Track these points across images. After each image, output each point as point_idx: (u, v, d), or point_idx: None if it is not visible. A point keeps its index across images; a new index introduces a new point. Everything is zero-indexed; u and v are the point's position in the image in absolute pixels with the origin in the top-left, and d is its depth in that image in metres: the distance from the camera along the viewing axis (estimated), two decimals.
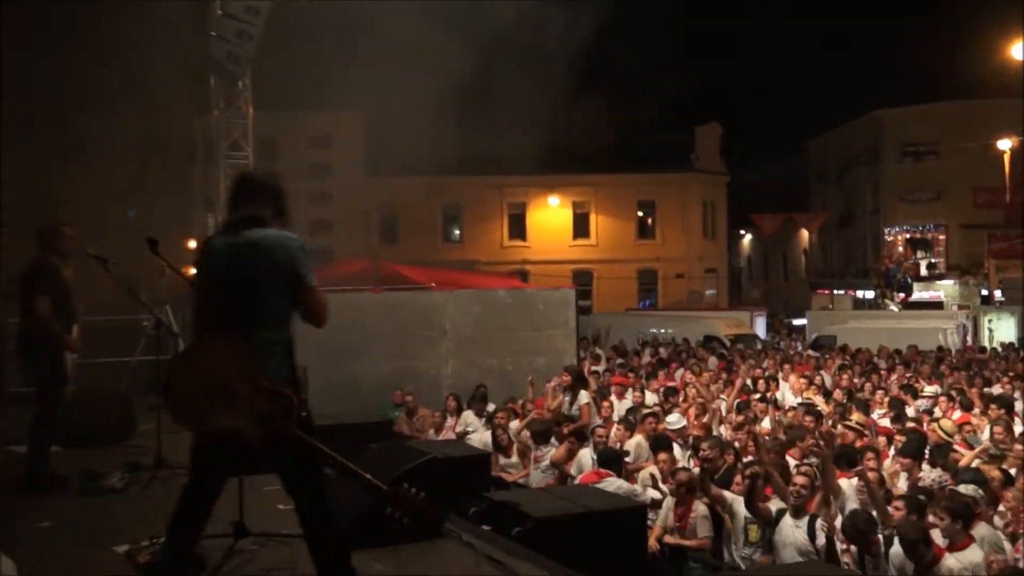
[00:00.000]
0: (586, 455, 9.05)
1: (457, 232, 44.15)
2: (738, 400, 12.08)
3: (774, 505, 7.04)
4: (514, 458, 10.17)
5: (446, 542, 5.54)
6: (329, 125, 39.33)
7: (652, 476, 8.47)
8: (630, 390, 13.10)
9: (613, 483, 7.77)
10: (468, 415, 11.66)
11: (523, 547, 5.33)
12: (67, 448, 7.96)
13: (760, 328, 32.56)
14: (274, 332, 3.88)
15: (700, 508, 7.55)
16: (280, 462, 3.93)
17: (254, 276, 3.87)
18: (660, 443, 9.15)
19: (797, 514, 6.74)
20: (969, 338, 25.67)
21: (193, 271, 4.32)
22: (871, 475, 7.12)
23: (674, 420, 10.36)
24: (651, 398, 12.91)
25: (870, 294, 41.30)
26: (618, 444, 9.50)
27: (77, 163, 11.52)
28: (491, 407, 11.89)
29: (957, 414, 11.15)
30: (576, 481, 8.45)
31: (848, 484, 7.38)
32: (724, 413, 11.55)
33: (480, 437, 10.70)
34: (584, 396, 11.30)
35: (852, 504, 7.12)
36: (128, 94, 11.78)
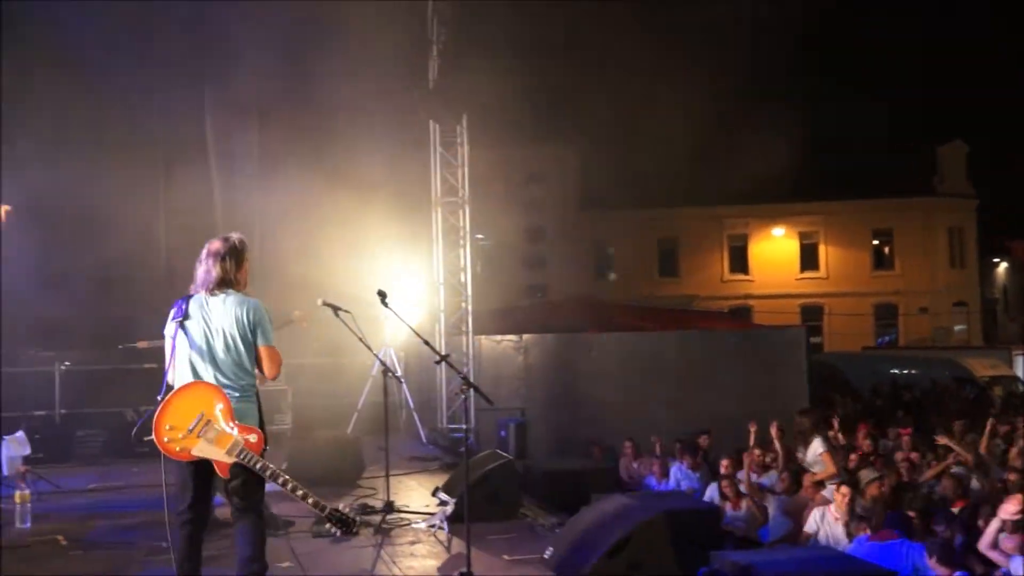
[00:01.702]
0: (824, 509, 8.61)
1: (674, 266, 43.71)
2: None
3: None
4: (742, 510, 9.84)
5: None
6: (544, 161, 40.20)
7: None
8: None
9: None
10: (682, 465, 11.44)
11: None
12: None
13: (1021, 369, 29.91)
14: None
15: None
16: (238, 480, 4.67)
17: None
18: None
19: None
20: None
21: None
22: None
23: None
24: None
25: None
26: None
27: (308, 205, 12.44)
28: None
29: None
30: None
31: None
32: None
33: (691, 485, 10.48)
34: (819, 444, 10.77)
35: None
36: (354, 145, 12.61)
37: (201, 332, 4.69)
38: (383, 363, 7.55)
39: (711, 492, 10.15)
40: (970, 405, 18.43)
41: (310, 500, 4.68)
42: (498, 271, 28.08)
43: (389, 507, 7.58)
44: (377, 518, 7.45)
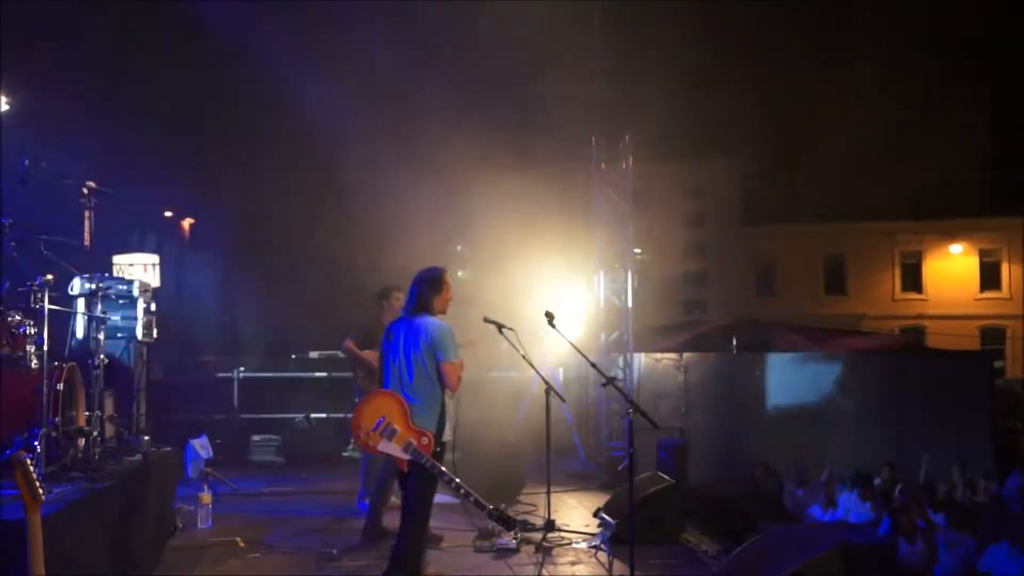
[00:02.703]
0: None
1: (841, 283, 42.04)
2: None
3: None
4: (917, 545, 9.35)
5: None
6: (705, 174, 39.63)
7: None
8: None
9: None
10: (852, 495, 10.95)
11: None
12: (461, 503, 8.65)
13: None
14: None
15: None
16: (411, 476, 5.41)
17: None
18: None
19: None
20: None
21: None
22: None
23: None
24: None
25: None
26: None
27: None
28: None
29: None
30: None
31: None
32: None
33: (860, 516, 10.01)
34: (1016, 478, 10.15)
35: None
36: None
37: (399, 349, 5.59)
38: (545, 380, 7.58)
39: (885, 525, 9.71)
40: None
41: (472, 498, 5.28)
42: (658, 288, 27.80)
43: (550, 525, 7.60)
44: (538, 535, 7.48)
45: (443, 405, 5.50)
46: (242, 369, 12.93)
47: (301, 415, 12.63)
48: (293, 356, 13.30)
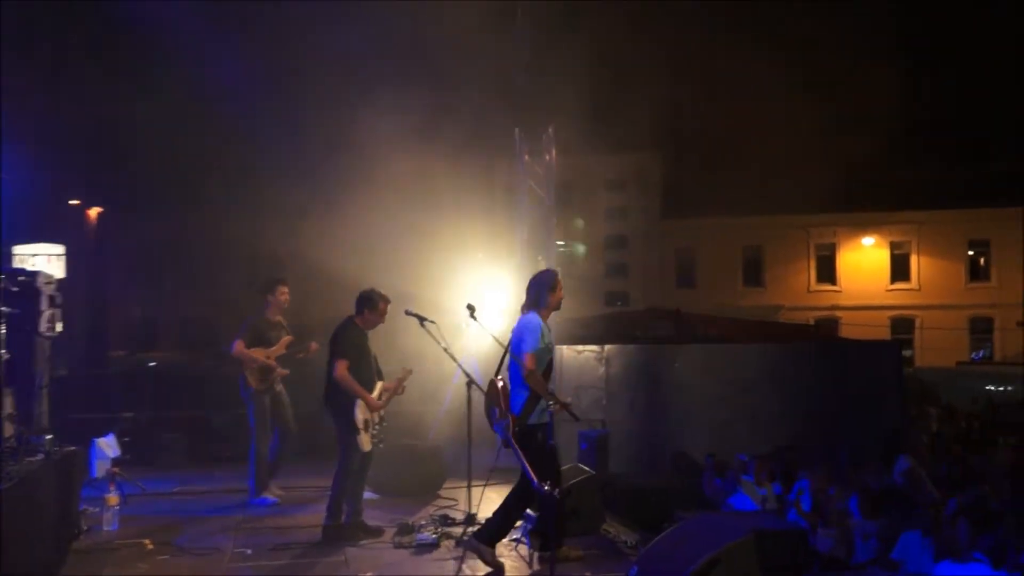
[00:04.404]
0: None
1: (759, 276, 42.96)
2: None
3: None
4: (829, 531, 9.58)
5: None
6: (627, 167, 40.01)
7: None
8: None
9: None
10: (768, 483, 11.18)
11: None
12: (383, 496, 8.57)
13: None
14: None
15: None
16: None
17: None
18: None
19: None
20: None
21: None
22: None
23: None
24: None
25: None
26: None
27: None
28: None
29: None
30: None
31: None
32: None
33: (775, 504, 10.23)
34: (904, 462, 10.43)
35: None
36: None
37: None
38: (467, 373, 7.54)
39: (798, 511, 9.91)
40: None
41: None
42: (580, 280, 28.00)
43: (471, 519, 7.55)
44: (458, 530, 7.43)
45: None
46: (152, 363, 12.56)
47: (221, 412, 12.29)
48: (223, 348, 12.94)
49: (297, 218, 13.40)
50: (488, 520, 6.68)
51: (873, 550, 8.82)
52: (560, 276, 6.99)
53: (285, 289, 9.08)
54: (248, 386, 8.67)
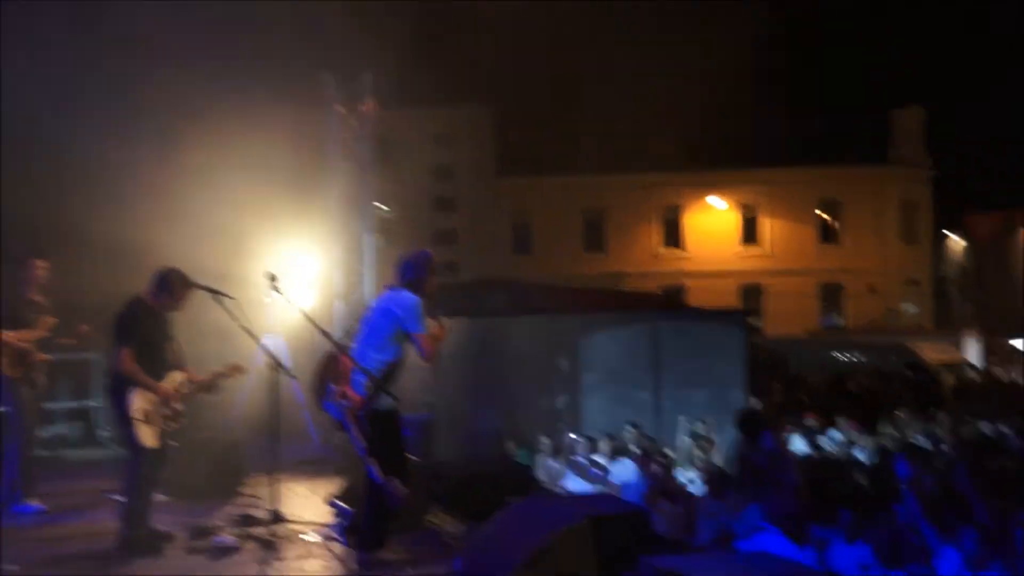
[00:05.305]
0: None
1: (601, 240, 43.97)
2: None
3: None
4: (673, 511, 10.09)
5: None
6: (453, 121, 40.05)
7: None
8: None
9: None
10: (609, 463, 11.67)
11: None
12: (174, 499, 8.41)
13: (974, 353, 31.19)
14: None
15: None
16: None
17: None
18: None
19: None
20: None
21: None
22: None
23: None
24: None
25: None
26: None
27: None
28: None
29: None
30: None
31: None
32: None
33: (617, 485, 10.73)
34: (768, 440, 11.11)
35: None
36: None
37: None
38: (271, 355, 7.49)
39: (637, 491, 10.39)
40: (919, 394, 19.14)
41: None
42: (402, 247, 27.77)
43: (277, 517, 7.53)
44: (263, 530, 7.41)
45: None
46: None
47: None
48: None
49: (70, 184, 12.78)
50: (360, 526, 6.77)
51: (717, 529, 9.36)
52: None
53: (42, 263, 8.72)
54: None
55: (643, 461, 11.07)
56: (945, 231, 53.01)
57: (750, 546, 7.95)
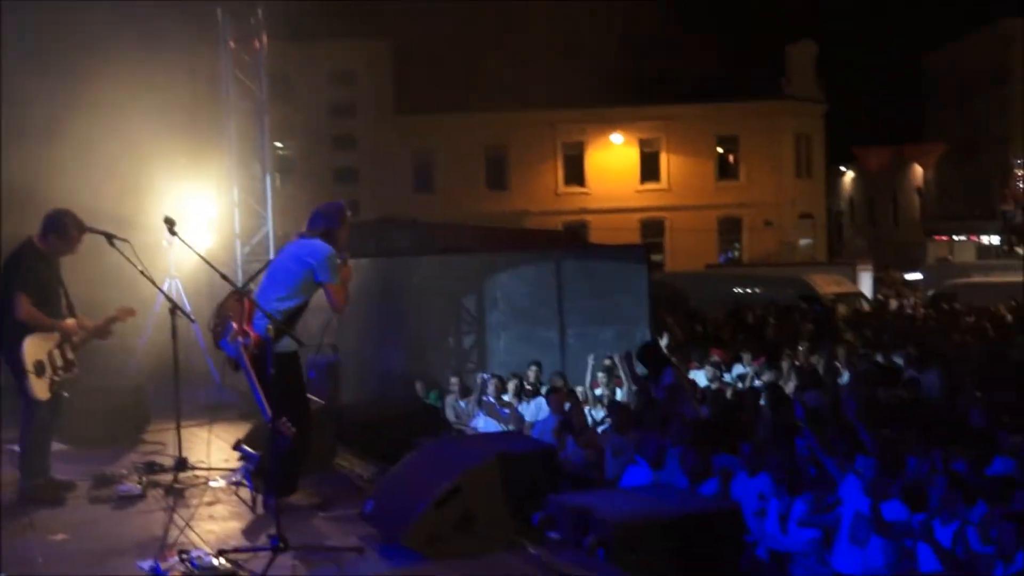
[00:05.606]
0: None
1: (503, 178, 43.98)
2: None
3: None
4: (580, 447, 10.26)
5: (509, 555, 5.66)
6: (352, 57, 39.34)
7: None
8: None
9: None
10: (515, 401, 11.81)
11: (599, 560, 5.41)
12: (75, 448, 8.24)
13: (866, 285, 32.20)
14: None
15: None
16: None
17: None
18: None
19: None
20: None
21: None
22: None
23: None
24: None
25: (996, 240, 40.54)
26: None
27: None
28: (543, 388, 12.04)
29: None
30: None
31: None
32: None
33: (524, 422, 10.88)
34: (669, 375, 11.30)
35: None
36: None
37: None
38: (169, 299, 7.34)
39: (546, 429, 10.52)
40: (815, 325, 19.71)
41: None
42: (302, 186, 27.49)
43: (182, 464, 7.45)
44: (168, 477, 7.32)
45: None
46: None
47: None
48: None
49: None
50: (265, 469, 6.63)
51: (624, 465, 9.56)
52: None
53: None
54: None
55: (552, 399, 11.19)
56: (839, 166, 54.50)
57: (624, 481, 8.22)
